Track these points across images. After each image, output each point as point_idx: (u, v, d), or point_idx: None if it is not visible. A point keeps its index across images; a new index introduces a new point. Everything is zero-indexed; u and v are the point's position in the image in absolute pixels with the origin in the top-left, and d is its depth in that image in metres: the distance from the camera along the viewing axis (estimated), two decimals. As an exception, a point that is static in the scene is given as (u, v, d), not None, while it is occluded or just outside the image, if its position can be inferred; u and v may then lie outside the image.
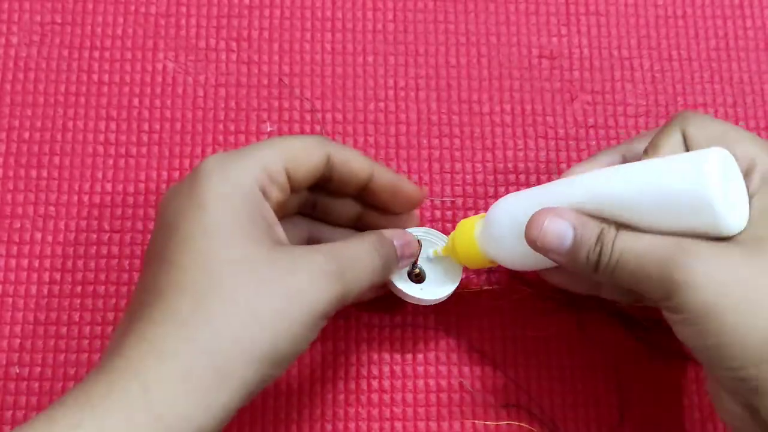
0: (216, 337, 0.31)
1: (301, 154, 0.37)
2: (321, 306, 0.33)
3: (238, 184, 0.34)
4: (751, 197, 0.34)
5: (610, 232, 0.34)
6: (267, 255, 0.33)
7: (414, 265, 0.41)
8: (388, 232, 0.39)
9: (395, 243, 0.39)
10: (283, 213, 0.38)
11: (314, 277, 0.33)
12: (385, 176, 0.40)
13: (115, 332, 0.34)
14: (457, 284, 0.42)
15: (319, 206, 0.41)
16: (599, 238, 0.34)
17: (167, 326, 0.31)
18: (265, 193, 0.35)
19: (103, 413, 0.29)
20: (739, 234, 0.33)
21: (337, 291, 0.34)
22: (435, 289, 0.41)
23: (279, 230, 0.36)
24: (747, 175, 0.34)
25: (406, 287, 0.41)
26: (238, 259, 0.33)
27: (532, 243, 0.36)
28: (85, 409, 0.29)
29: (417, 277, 0.42)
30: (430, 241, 0.42)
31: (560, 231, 0.35)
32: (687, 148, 0.36)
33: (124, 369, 0.30)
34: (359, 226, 0.42)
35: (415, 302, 0.41)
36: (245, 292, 0.32)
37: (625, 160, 0.39)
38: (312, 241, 0.42)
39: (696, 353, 0.34)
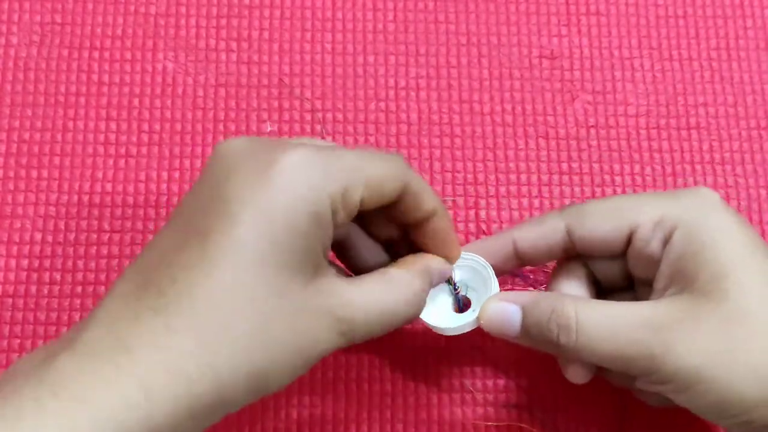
0: (217, 349, 0.28)
1: (383, 183, 0.33)
2: (321, 349, 0.31)
3: (314, 199, 0.30)
4: (677, 256, 0.35)
5: (567, 310, 0.34)
6: (285, 284, 0.30)
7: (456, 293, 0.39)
8: (435, 267, 0.37)
9: (434, 279, 0.36)
10: None
11: (323, 326, 0.31)
12: (441, 223, 0.36)
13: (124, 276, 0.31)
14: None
15: (365, 219, 0.37)
16: (551, 318, 0.34)
17: (168, 324, 0.28)
18: (334, 216, 0.31)
19: (95, 408, 0.26)
20: (691, 290, 0.34)
21: (340, 341, 0.32)
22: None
23: (323, 256, 0.32)
24: (667, 236, 0.35)
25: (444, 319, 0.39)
26: (254, 282, 0.29)
27: (484, 329, 0.37)
28: (78, 400, 0.27)
29: (465, 306, 0.39)
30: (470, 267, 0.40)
31: (506, 316, 0.36)
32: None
33: (121, 361, 0.27)
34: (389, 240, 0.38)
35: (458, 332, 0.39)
36: (250, 318, 0.29)
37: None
38: (338, 242, 0.37)
39: (693, 411, 0.34)
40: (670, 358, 0.32)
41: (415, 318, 0.35)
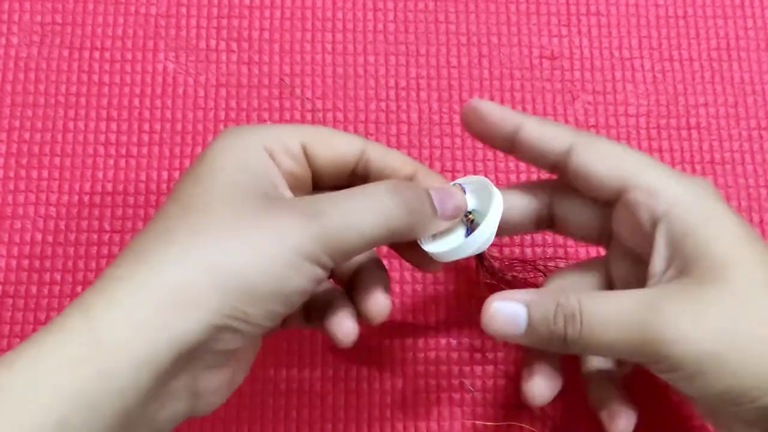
0: (180, 265, 0.29)
1: (325, 137, 0.35)
2: (295, 241, 0.30)
3: (244, 145, 0.33)
4: (678, 235, 0.34)
5: (571, 303, 0.33)
6: (252, 201, 0.32)
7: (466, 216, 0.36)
8: (423, 182, 0.36)
9: (433, 192, 0.35)
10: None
11: (291, 215, 0.31)
12: (431, 180, 0.36)
13: None
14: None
15: None
16: (557, 312, 0.33)
17: (139, 253, 0.30)
18: (274, 157, 0.34)
19: (45, 337, 0.28)
20: (691, 275, 0.33)
21: (316, 230, 0.31)
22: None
23: (283, 192, 0.34)
24: (658, 212, 0.34)
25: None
26: (221, 203, 0.31)
27: (486, 330, 0.34)
28: (65, 330, 0.28)
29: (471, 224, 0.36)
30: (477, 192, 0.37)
31: (511, 314, 0.34)
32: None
33: (95, 295, 0.29)
34: None
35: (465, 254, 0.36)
36: (219, 226, 0.31)
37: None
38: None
39: (705, 400, 0.33)
40: (677, 343, 0.31)
41: (406, 220, 0.33)
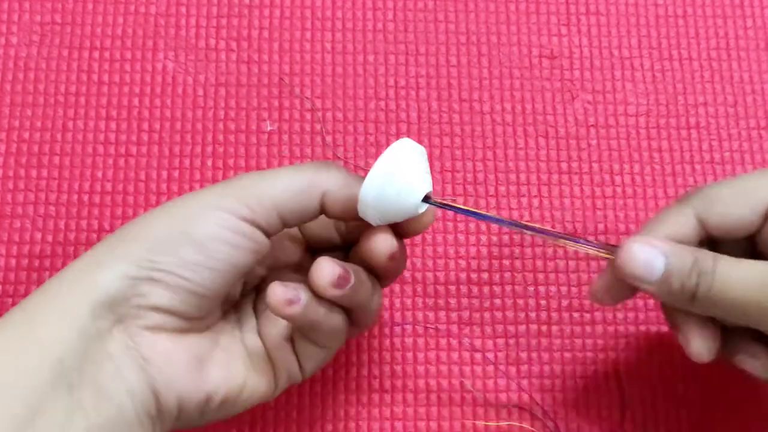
0: (102, 241, 0.33)
1: (285, 194, 0.34)
2: (209, 199, 0.33)
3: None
4: None
5: (707, 260, 0.33)
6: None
7: None
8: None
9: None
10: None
11: (210, 188, 0.34)
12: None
13: None
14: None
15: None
16: (693, 267, 0.33)
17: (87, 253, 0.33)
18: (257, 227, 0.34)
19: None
20: None
21: (233, 189, 0.33)
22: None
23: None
24: None
25: None
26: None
27: (621, 271, 0.34)
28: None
29: None
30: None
31: (650, 259, 0.33)
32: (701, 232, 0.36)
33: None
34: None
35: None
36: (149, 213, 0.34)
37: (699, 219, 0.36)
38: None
39: None
40: None
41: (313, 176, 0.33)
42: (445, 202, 0.35)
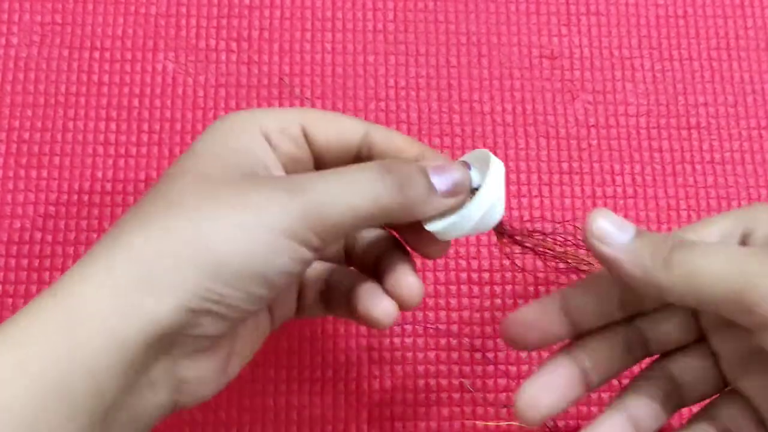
0: (149, 242, 0.28)
1: (326, 119, 0.34)
2: (276, 218, 0.29)
3: (239, 127, 0.32)
4: None
5: (678, 234, 0.32)
6: (234, 177, 0.30)
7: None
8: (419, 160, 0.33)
9: (430, 170, 0.32)
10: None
11: (272, 191, 0.29)
12: (438, 160, 0.33)
13: None
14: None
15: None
16: (667, 238, 0.31)
17: (106, 236, 0.29)
18: (270, 139, 0.33)
19: (22, 315, 0.27)
20: None
21: (298, 206, 0.29)
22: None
23: (276, 173, 0.33)
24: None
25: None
26: (202, 179, 0.30)
27: (590, 230, 0.31)
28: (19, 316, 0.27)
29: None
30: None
31: (621, 221, 0.31)
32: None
33: (56, 285, 0.28)
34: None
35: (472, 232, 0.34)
36: (194, 200, 0.29)
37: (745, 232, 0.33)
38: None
39: None
40: None
41: (395, 198, 0.31)
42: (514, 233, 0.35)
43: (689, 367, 0.34)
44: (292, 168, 0.33)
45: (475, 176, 0.34)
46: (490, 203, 0.33)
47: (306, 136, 0.33)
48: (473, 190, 0.34)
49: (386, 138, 0.34)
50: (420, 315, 0.44)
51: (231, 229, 0.28)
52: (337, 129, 0.34)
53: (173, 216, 0.29)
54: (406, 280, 0.33)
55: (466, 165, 0.34)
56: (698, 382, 0.34)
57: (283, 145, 0.33)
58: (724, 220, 0.33)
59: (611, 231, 0.31)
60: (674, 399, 0.34)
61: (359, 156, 0.34)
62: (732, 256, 0.30)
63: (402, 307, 0.33)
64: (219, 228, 0.28)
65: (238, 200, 0.29)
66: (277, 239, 0.29)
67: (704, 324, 0.34)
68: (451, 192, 0.32)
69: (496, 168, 0.33)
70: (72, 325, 0.26)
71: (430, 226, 0.33)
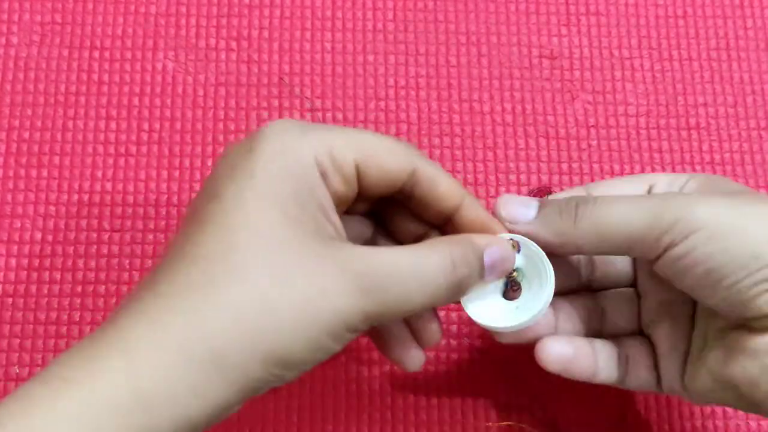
0: (219, 317, 0.27)
1: (380, 153, 0.32)
2: (345, 316, 0.29)
3: (295, 157, 0.30)
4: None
5: (581, 191, 0.36)
6: (301, 241, 0.29)
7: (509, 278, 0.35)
8: (480, 239, 0.33)
9: (486, 255, 0.33)
10: (346, 211, 0.34)
11: (345, 283, 0.29)
12: (474, 212, 0.34)
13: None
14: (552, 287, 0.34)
15: (387, 220, 0.37)
16: (570, 198, 0.34)
17: (168, 297, 0.28)
18: (325, 177, 0.31)
19: (80, 387, 0.26)
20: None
21: (366, 307, 0.29)
22: (531, 303, 0.35)
23: (333, 219, 0.31)
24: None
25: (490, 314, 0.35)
26: (268, 238, 0.28)
27: (497, 212, 0.35)
28: (66, 381, 0.26)
29: (513, 292, 0.35)
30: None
31: (525, 200, 0.35)
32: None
33: (111, 337, 0.27)
34: None
35: (504, 330, 0.35)
36: (264, 275, 0.28)
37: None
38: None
39: (722, 270, 0.31)
40: (699, 204, 0.31)
41: (454, 295, 0.32)
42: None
43: (615, 300, 0.38)
44: (336, 204, 0.32)
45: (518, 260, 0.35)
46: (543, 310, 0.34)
47: (357, 173, 0.32)
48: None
49: (431, 181, 0.33)
50: (420, 315, 0.44)
51: (299, 317, 0.28)
52: (388, 167, 0.32)
53: (239, 289, 0.28)
54: (431, 327, 0.36)
55: (515, 244, 0.35)
56: (619, 317, 0.38)
57: (335, 182, 0.31)
58: (627, 181, 0.37)
59: (518, 210, 0.34)
60: (594, 323, 0.38)
61: (401, 190, 0.34)
62: (634, 200, 0.33)
63: (422, 345, 0.36)
64: (286, 313, 0.28)
65: (308, 280, 0.28)
66: (340, 333, 0.29)
67: (636, 266, 0.38)
68: (496, 277, 0.34)
69: (551, 277, 0.34)
70: (143, 406, 0.26)
71: (476, 315, 0.35)
